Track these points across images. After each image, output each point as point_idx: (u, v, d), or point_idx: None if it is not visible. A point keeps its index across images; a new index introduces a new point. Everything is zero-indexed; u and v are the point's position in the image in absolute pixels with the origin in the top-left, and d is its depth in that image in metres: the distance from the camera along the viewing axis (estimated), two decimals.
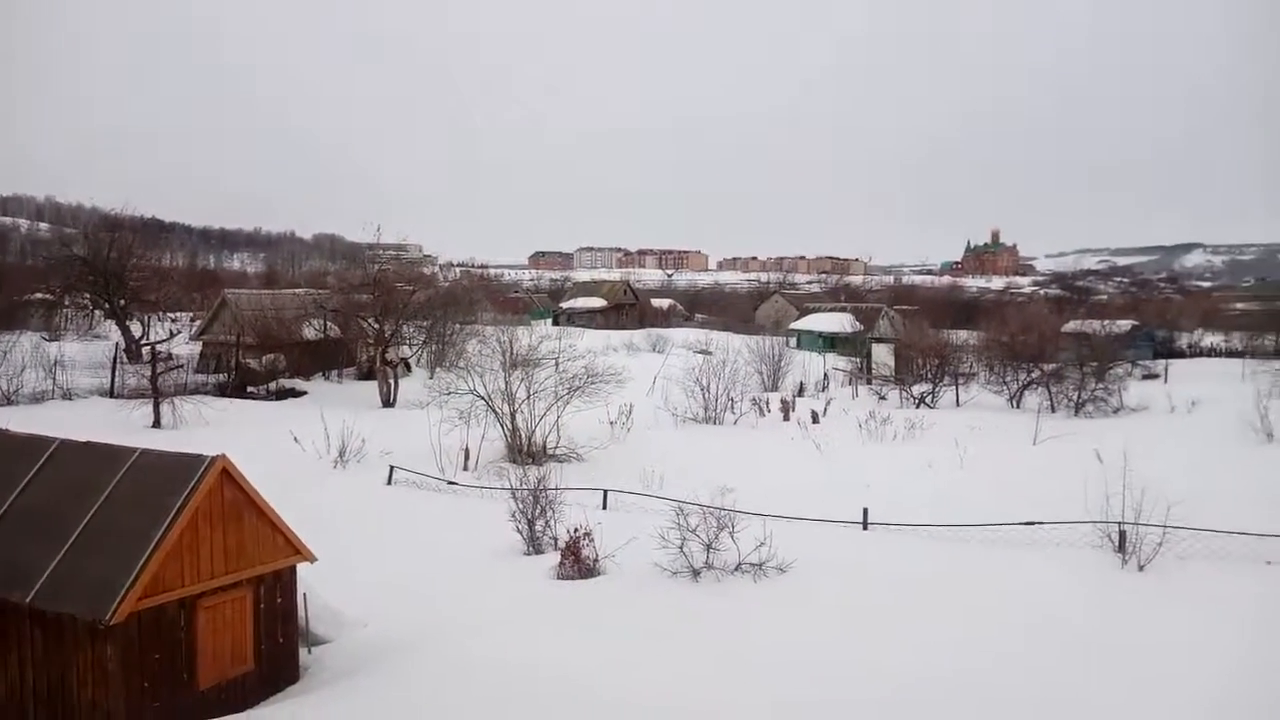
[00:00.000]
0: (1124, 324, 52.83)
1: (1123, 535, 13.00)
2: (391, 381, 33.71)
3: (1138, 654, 9.70)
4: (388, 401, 33.31)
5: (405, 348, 39.82)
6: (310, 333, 40.12)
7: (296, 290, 48.03)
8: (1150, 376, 45.24)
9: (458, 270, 78.85)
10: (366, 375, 38.72)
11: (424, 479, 20.09)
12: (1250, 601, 11.14)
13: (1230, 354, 62.79)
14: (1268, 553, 12.62)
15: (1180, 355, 63.18)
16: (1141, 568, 12.47)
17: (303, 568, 10.30)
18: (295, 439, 22.90)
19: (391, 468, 20.60)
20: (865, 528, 15.43)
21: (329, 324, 40.06)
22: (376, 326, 36.06)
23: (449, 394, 23.41)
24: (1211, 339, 72.49)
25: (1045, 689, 8.89)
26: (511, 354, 26.28)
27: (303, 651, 10.47)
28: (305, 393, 35.36)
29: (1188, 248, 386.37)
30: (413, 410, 28.19)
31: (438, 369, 38.98)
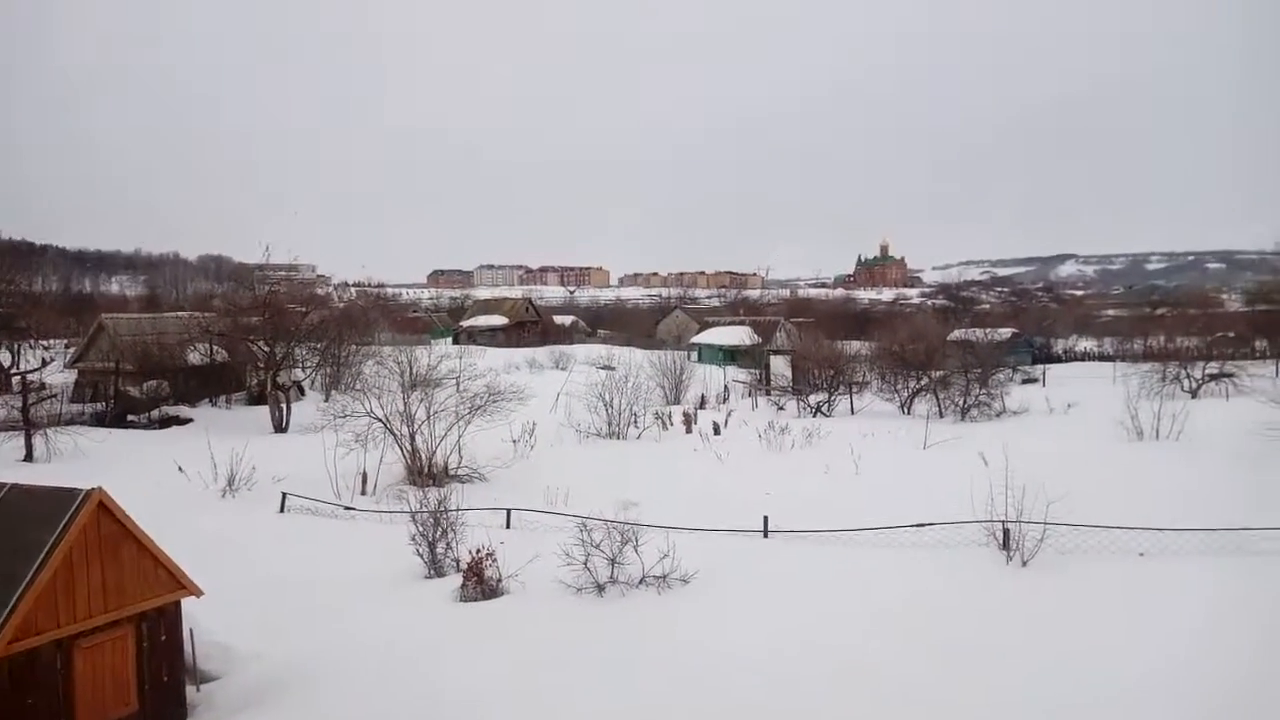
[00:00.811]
0: (1005, 332, 55.41)
1: (1006, 533, 13.59)
2: (284, 406, 32.61)
3: (1023, 646, 10.15)
4: (280, 426, 32.20)
5: (298, 371, 38.63)
6: (195, 358, 38.50)
7: (180, 314, 46.08)
8: (1030, 381, 47.57)
9: (353, 290, 76.91)
10: (257, 400, 37.36)
11: (319, 505, 19.48)
12: (1123, 591, 11.79)
13: (1102, 358, 66.61)
14: (1140, 545, 13.35)
15: (1057, 360, 66.63)
16: (1025, 564, 13.05)
17: (189, 602, 9.86)
18: (180, 468, 21.92)
19: (284, 495, 19.89)
20: (766, 535, 15.69)
21: (216, 348, 38.53)
22: (267, 349, 34.86)
23: (345, 416, 22.79)
24: (1085, 344, 76.76)
25: (936, 684, 9.20)
26: (410, 374, 25.81)
27: (190, 689, 10.02)
28: (191, 420, 33.88)
29: (1062, 258, 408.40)
30: (307, 435, 27.35)
31: (333, 392, 37.93)
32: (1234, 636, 10.01)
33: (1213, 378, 38.96)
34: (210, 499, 20.54)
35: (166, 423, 33.20)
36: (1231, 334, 54.15)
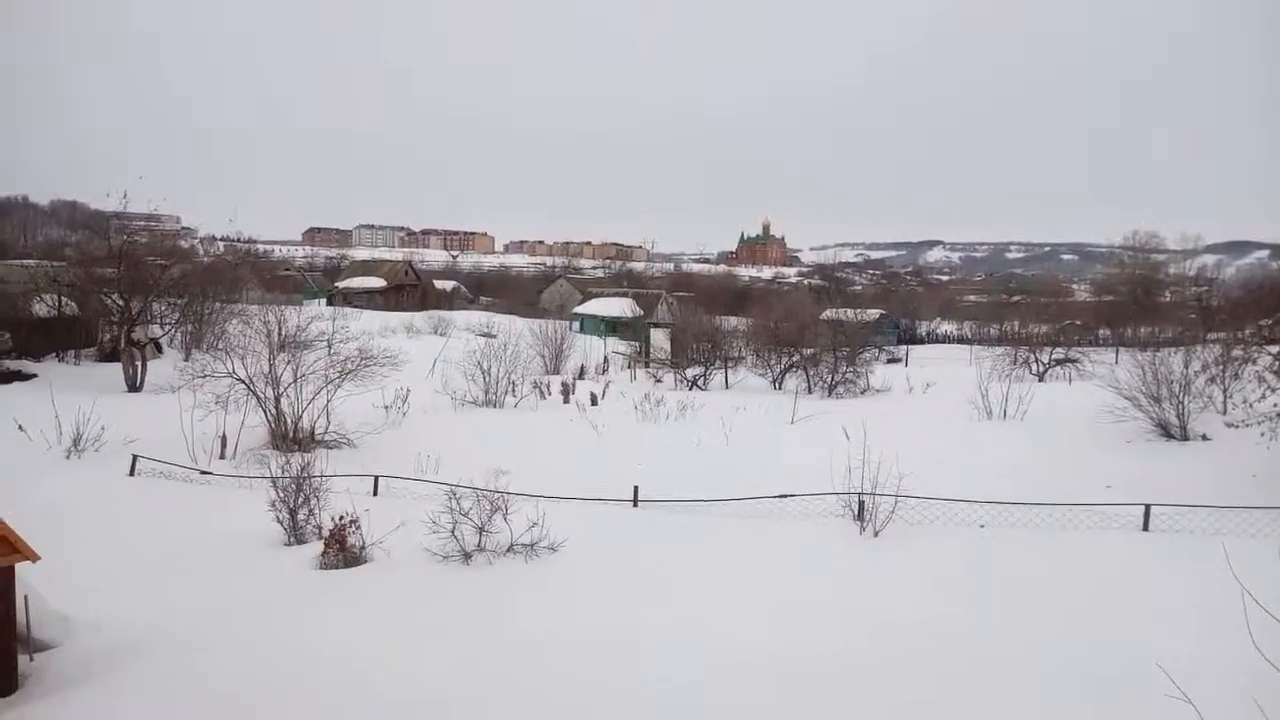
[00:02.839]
0: (873, 312, 57.65)
1: (861, 505, 14.25)
2: (139, 364, 30.85)
3: (867, 607, 10.71)
4: (134, 385, 30.47)
5: (155, 327, 36.55)
6: (42, 309, 35.90)
7: (26, 262, 42.79)
8: (894, 361, 49.83)
9: (221, 245, 73.17)
10: (109, 357, 35.20)
11: (173, 469, 18.57)
12: (961, 559, 12.57)
13: (962, 340, 70.31)
14: (981, 517, 14.23)
15: (921, 341, 69.93)
16: (877, 534, 13.71)
17: (25, 568, 9.27)
18: (20, 426, 20.48)
19: (135, 457, 18.86)
20: (635, 505, 15.94)
21: (65, 300, 36.02)
22: (121, 303, 32.82)
23: (204, 377, 21.73)
24: (947, 327, 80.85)
25: (781, 643, 9.61)
26: (279, 335, 24.84)
27: (23, 659, 9.44)
28: (35, 375, 31.64)
29: (930, 244, 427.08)
30: (162, 395, 25.99)
31: (193, 350, 36.16)
32: (1045, 599, 10.87)
33: (1058, 363, 41.70)
34: (54, 460, 19.31)
35: (7, 378, 30.89)
36: (1079, 322, 58.03)
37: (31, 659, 9.66)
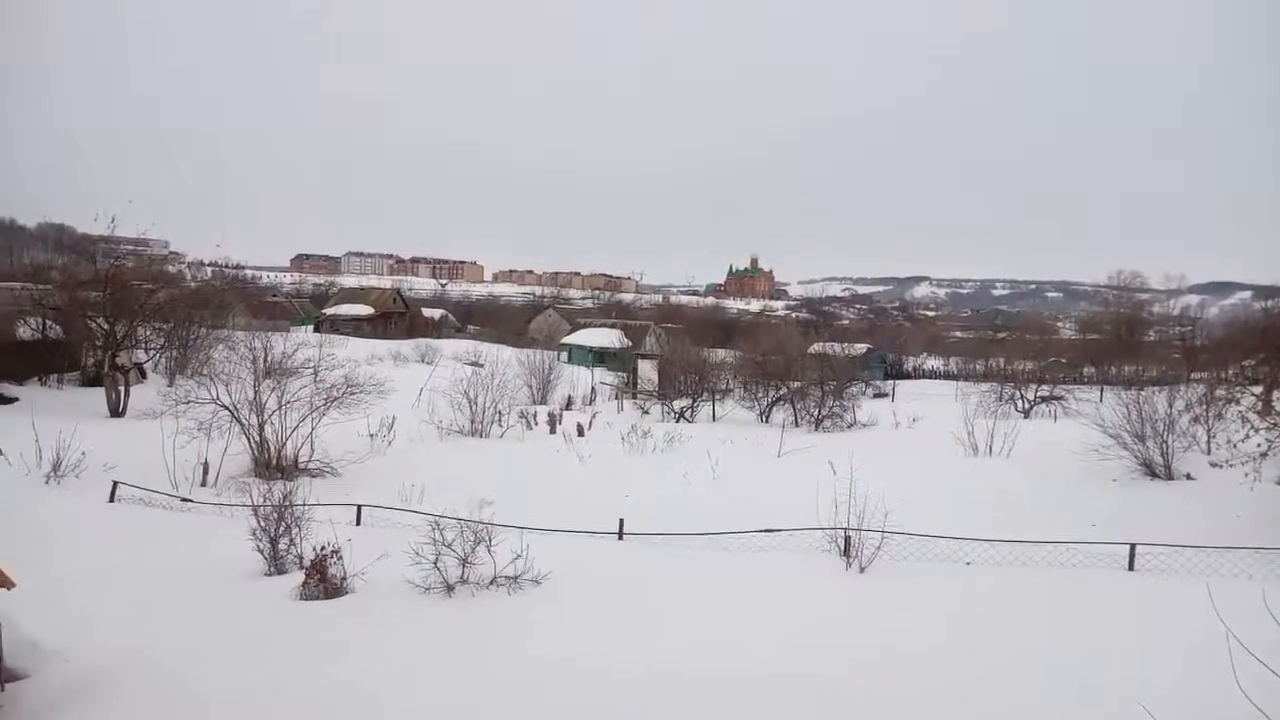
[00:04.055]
0: (860, 347, 57.97)
1: (847, 540, 14.21)
2: (121, 389, 30.59)
3: (851, 643, 10.64)
4: (116, 410, 30.19)
5: (140, 352, 36.34)
6: (26, 332, 35.61)
7: (11, 285, 42.52)
8: (880, 395, 49.97)
9: (209, 270, 73.03)
10: (93, 381, 34.88)
11: (154, 496, 18.37)
12: (946, 595, 12.53)
13: (948, 376, 70.62)
14: (968, 554, 14.22)
15: (907, 376, 70.21)
16: (863, 570, 13.67)
17: (0, 595, 9.12)
18: (0, 451, 20.27)
19: (115, 483, 18.66)
20: (620, 537, 15.85)
21: (49, 323, 35.75)
22: (106, 327, 32.61)
23: (188, 402, 21.60)
24: (933, 362, 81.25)
25: (763, 677, 9.53)
26: (265, 361, 24.76)
27: None
28: (16, 399, 31.30)
29: (917, 280, 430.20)
30: (145, 421, 25.74)
31: (178, 376, 35.91)
32: (1029, 636, 10.83)
33: (1044, 400, 41.94)
34: (32, 485, 19.05)
35: None
36: (1064, 359, 58.41)
37: (3, 688, 9.47)
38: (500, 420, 30.54)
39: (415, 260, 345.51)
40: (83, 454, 20.09)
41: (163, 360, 38.90)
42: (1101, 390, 48.03)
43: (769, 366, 40.34)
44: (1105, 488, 20.13)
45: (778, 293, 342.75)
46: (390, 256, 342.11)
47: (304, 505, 14.81)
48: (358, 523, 16.91)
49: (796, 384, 38.19)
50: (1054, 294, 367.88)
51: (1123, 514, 17.23)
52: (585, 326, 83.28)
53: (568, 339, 77.50)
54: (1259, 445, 17.07)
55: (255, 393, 22.09)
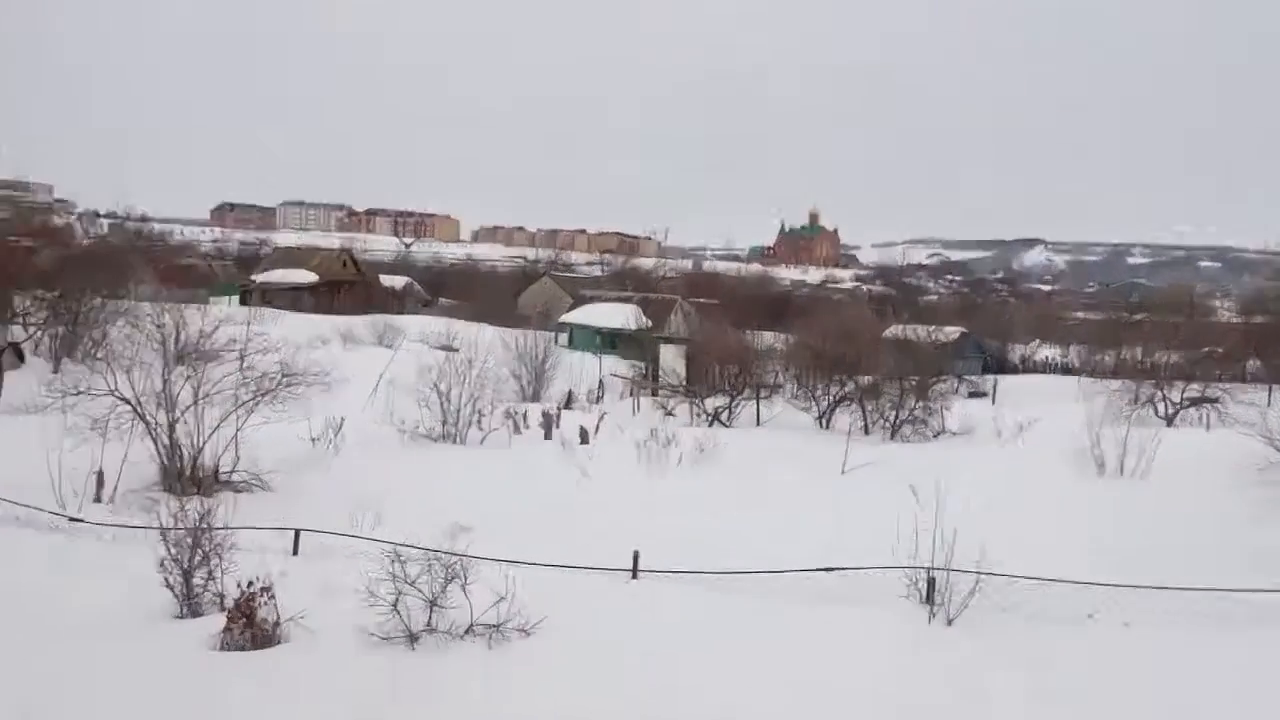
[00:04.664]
0: (952, 331, 57.74)
1: (931, 583, 14.15)
2: None
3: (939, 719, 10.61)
4: None
5: (17, 328, 36.72)
6: None
7: None
8: (977, 395, 49.79)
9: (105, 223, 73.77)
10: None
11: (32, 514, 18.55)
12: (1065, 659, 12.43)
13: (1067, 370, 70.20)
14: (1090, 604, 14.06)
15: (1012, 370, 69.91)
16: (950, 621, 13.61)
17: None
18: None
19: None
20: (635, 576, 15.87)
21: None
22: None
23: (79, 394, 21.76)
24: (1047, 352, 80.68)
25: None
26: (177, 343, 24.96)
27: None
28: None
29: (1028, 243, 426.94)
30: (23, 417, 25.99)
31: (65, 360, 36.27)
32: (1170, 717, 10.69)
33: (1193, 402, 41.58)
34: None
35: None
36: (1220, 350, 57.75)
37: None
38: (480, 422, 30.62)
39: (372, 213, 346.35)
40: None
41: (46, 339, 39.28)
42: (1270, 390, 47.58)
43: (831, 356, 40.20)
44: (1275, 518, 19.95)
45: (844, 259, 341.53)
46: (340, 208, 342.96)
47: (226, 528, 14.92)
48: (295, 552, 17.02)
49: (867, 379, 38.04)
50: (1208, 263, 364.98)
51: None
52: (591, 301, 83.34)
53: (568, 317, 77.62)
54: None
55: (164, 383, 22.25)
